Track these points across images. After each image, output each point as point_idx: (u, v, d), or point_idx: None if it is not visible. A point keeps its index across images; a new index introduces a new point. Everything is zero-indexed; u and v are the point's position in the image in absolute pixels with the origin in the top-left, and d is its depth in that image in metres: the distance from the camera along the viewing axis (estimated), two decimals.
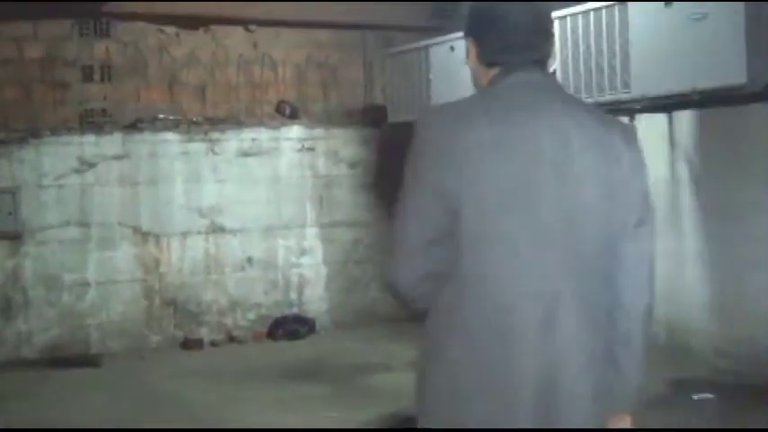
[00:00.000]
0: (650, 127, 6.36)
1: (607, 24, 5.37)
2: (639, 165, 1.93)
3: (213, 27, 7.51)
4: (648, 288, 1.98)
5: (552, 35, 2.01)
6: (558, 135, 1.84)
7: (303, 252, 7.70)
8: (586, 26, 5.50)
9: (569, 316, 1.82)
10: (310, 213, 7.73)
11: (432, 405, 1.88)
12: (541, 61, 1.96)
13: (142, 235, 7.13)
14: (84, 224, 6.93)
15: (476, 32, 2.01)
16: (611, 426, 1.96)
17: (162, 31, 7.34)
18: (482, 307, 1.81)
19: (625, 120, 6.48)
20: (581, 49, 5.54)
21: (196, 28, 7.46)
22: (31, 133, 6.79)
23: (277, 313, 7.55)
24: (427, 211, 1.83)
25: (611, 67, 5.36)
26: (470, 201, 1.80)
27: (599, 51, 5.43)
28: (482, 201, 1.80)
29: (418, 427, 1.91)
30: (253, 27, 7.66)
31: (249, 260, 7.50)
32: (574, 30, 5.59)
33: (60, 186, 6.86)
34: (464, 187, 1.79)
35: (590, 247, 1.85)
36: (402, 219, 1.88)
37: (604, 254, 1.88)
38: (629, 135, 1.93)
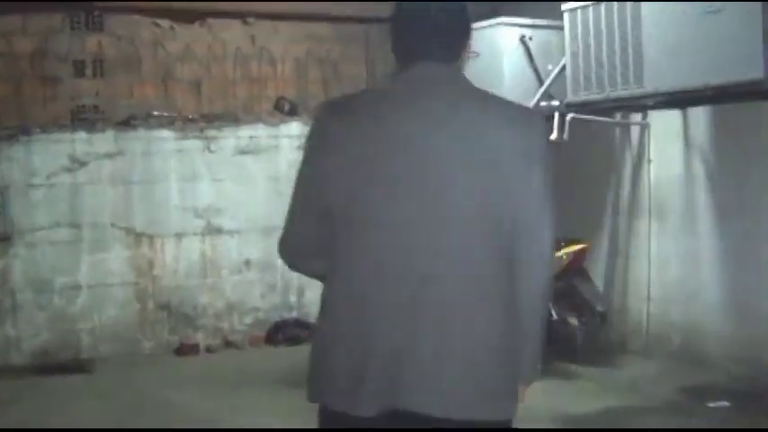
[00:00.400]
0: (664, 124, 6.41)
1: (619, 17, 5.39)
2: (537, 158, 2.04)
3: (209, 20, 7.55)
4: (542, 277, 2.07)
5: (462, 30, 2.17)
6: (444, 127, 2.00)
7: None
8: (597, 19, 5.54)
9: (438, 302, 1.95)
10: None
11: (310, 378, 2.10)
12: (447, 56, 2.12)
13: (135, 236, 7.16)
14: (75, 225, 6.97)
15: (390, 27, 2.19)
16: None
17: (156, 25, 7.38)
18: (349, 288, 2.02)
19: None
20: (591, 43, 5.57)
21: (191, 21, 7.49)
22: (21, 130, 6.82)
23: (276, 317, 7.58)
24: (307, 195, 2.10)
25: (623, 62, 5.39)
26: (343, 187, 2.01)
27: (610, 45, 5.46)
28: (354, 188, 2.01)
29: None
30: (250, 20, 7.69)
31: (247, 262, 7.53)
32: (584, 23, 5.63)
33: (51, 185, 6.90)
34: (338, 174, 2.02)
35: (472, 236, 1.98)
36: (291, 199, 2.15)
37: (492, 243, 1.99)
38: (532, 129, 2.08)
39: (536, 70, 6.35)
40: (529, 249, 2.02)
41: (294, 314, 7.65)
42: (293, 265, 2.22)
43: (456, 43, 2.15)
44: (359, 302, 1.99)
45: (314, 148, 2.10)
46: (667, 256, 6.46)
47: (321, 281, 2.14)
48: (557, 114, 5.97)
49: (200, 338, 7.35)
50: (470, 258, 1.98)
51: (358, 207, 2.01)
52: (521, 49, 6.35)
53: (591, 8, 5.58)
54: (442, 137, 1.99)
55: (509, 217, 1.99)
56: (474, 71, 6.88)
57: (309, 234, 2.11)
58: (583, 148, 6.53)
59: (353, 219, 2.01)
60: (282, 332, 7.46)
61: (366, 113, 2.07)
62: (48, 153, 6.89)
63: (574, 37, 5.72)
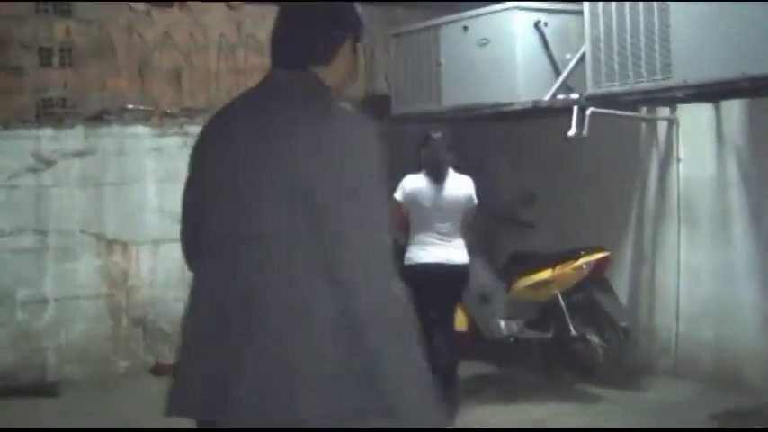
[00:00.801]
0: (695, 119, 6.39)
1: (645, 1, 5.38)
2: (369, 165, 2.20)
3: (190, 3, 7.53)
4: (378, 297, 2.15)
5: (327, 32, 2.35)
6: (273, 134, 2.20)
7: None
8: (620, 3, 5.51)
9: (268, 326, 2.14)
10: None
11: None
12: (303, 62, 2.31)
13: (107, 243, 7.14)
14: (40, 231, 6.94)
15: None
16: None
17: (131, 9, 7.35)
18: (197, 305, 2.29)
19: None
20: (614, 29, 5.55)
21: (170, 5, 7.47)
22: None
23: None
24: (188, 209, 2.40)
25: (650, 50, 5.37)
26: (200, 206, 2.30)
27: (635, 31, 5.43)
28: (205, 209, 2.29)
29: None
30: (236, 4, 7.68)
31: None
32: (606, 7, 5.60)
33: (13, 187, 6.87)
34: (199, 192, 2.32)
35: (295, 260, 2.14)
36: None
37: (318, 264, 2.13)
38: (365, 136, 2.24)
39: (552, 59, 6.33)
40: (355, 272, 2.13)
41: None
42: (188, 267, 2.47)
43: (317, 47, 2.32)
44: (203, 319, 2.26)
45: (190, 162, 2.39)
46: (698, 267, 6.44)
47: None
48: (575, 108, 5.96)
49: None
50: (298, 282, 2.14)
51: (206, 227, 2.29)
52: (535, 36, 6.33)
53: None
54: (264, 158, 2.20)
55: (335, 238, 2.12)
56: (484, 60, 6.93)
57: (190, 244, 2.41)
58: (604, 145, 6.52)
59: (204, 236, 2.30)
60: None
61: (221, 129, 2.34)
62: (10, 151, 6.86)
63: (594, 22, 5.70)
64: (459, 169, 5.83)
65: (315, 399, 2.11)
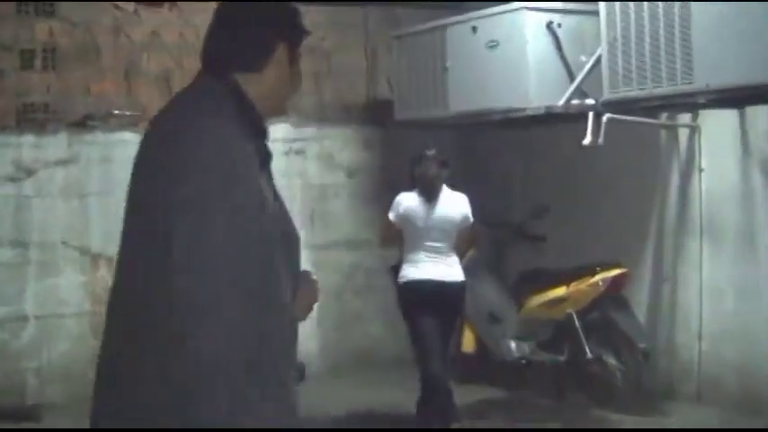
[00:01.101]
0: (718, 126, 6.38)
1: (665, 1, 5.38)
2: (223, 190, 2.13)
3: (180, 3, 7.54)
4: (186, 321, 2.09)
5: (256, 37, 2.26)
6: (162, 151, 2.20)
7: None
8: (639, 2, 5.52)
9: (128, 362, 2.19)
10: (299, 231, 7.72)
11: None
12: (223, 69, 2.24)
13: (92, 258, 7.12)
14: (20, 244, 6.93)
15: None
16: None
17: (118, 8, 7.36)
18: None
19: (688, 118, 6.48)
20: (632, 31, 5.55)
21: (159, 4, 7.48)
22: None
23: None
24: None
25: (670, 53, 5.37)
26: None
27: (654, 33, 5.44)
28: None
29: None
30: None
31: None
32: (624, 7, 5.61)
33: None
34: None
35: (143, 273, 2.15)
36: None
37: (164, 284, 2.10)
38: (189, 166, 2.14)
39: (566, 62, 6.34)
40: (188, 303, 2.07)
41: None
42: None
43: (244, 52, 2.25)
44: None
45: None
46: (722, 284, 6.42)
47: None
48: (591, 114, 5.95)
49: None
50: (136, 305, 2.17)
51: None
52: (548, 38, 6.33)
53: None
54: (148, 176, 2.24)
55: (172, 264, 2.08)
56: (494, 63, 6.95)
57: None
58: (621, 154, 6.51)
59: None
60: None
61: (142, 140, 2.33)
62: None
63: (611, 23, 5.70)
64: (454, 186, 5.86)
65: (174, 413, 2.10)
